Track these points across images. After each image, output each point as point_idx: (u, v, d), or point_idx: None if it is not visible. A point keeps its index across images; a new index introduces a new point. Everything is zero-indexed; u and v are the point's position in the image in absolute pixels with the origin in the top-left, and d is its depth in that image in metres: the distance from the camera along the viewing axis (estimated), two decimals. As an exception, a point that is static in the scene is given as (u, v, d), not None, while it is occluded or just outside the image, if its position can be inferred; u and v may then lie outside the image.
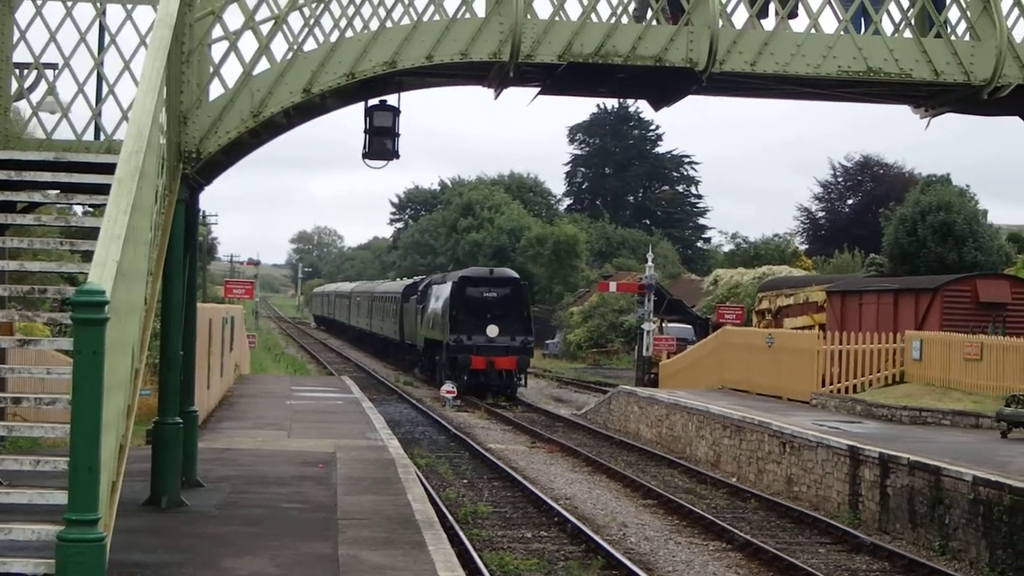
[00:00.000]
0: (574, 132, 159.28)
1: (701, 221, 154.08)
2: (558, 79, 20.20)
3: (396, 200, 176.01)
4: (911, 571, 23.36)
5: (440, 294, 64.69)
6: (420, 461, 34.76)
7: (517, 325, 60.88)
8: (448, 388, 55.55)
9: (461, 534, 24.08)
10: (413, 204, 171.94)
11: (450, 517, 25.93)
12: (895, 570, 23.60)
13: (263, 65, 19.39)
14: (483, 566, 21.43)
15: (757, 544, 24.63)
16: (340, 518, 19.06)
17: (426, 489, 25.17)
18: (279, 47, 19.60)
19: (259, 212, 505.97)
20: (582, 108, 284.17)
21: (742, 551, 24.60)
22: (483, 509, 28.55)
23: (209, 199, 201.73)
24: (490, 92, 21.40)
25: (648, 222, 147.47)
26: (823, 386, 42.89)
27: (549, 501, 29.30)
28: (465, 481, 33.13)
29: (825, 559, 24.33)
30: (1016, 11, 20.00)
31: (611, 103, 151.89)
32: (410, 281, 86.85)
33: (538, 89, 21.20)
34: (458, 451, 39.51)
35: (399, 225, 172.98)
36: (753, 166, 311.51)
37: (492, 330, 59.89)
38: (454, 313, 60.66)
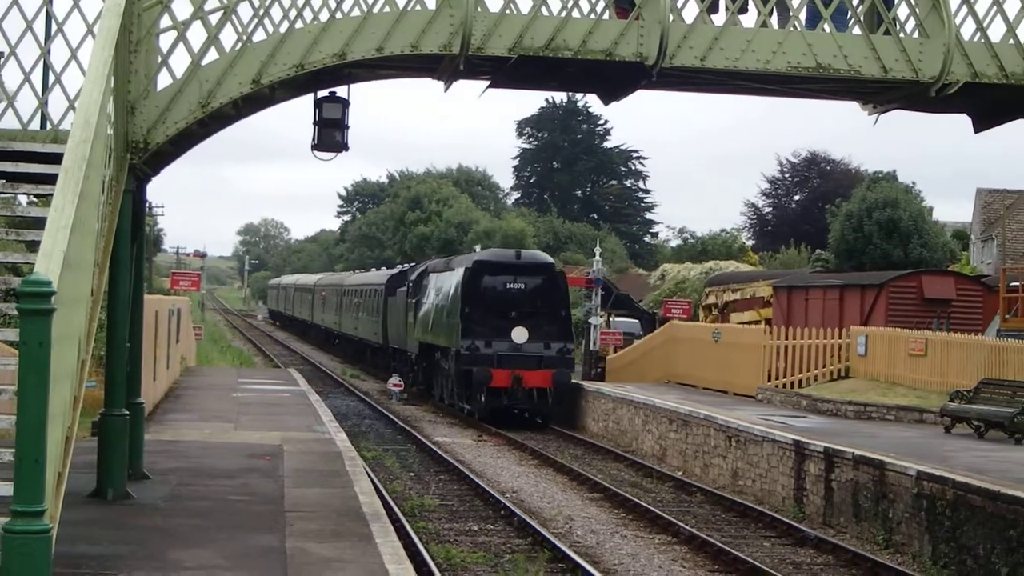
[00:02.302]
0: (522, 126, 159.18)
1: (649, 216, 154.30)
2: (508, 72, 20.20)
3: (344, 193, 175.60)
4: (855, 564, 23.48)
5: (443, 285, 50.34)
6: (367, 454, 34.72)
7: (553, 328, 46.09)
8: (395, 381, 55.17)
9: (408, 527, 24.06)
10: (361, 197, 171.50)
11: (397, 510, 25.91)
12: (839, 563, 23.72)
13: (212, 55, 19.31)
14: (430, 559, 21.41)
15: (703, 537, 24.71)
16: (288, 510, 19.02)
17: (373, 482, 25.12)
18: (228, 38, 19.60)
19: (205, 204, 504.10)
20: (531, 102, 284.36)
21: (688, 544, 24.68)
22: (430, 502, 28.53)
23: (155, 190, 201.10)
24: (440, 85, 21.38)
25: (596, 217, 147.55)
26: (769, 381, 43.07)
27: (496, 494, 29.30)
28: (412, 474, 33.11)
29: (770, 552, 24.43)
30: (964, 9, 20.11)
31: (560, 97, 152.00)
32: (396, 270, 70.78)
33: (488, 82, 21.18)
34: (405, 444, 39.48)
35: (347, 218, 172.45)
36: (697, 162, 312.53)
37: (519, 334, 45.55)
38: (467, 311, 46.00)
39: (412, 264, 70.29)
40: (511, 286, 46.54)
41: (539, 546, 23.92)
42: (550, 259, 50.07)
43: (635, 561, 23.15)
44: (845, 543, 25.01)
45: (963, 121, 22.64)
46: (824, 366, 43.75)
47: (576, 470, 33.65)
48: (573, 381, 48.25)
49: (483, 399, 45.12)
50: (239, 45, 19.32)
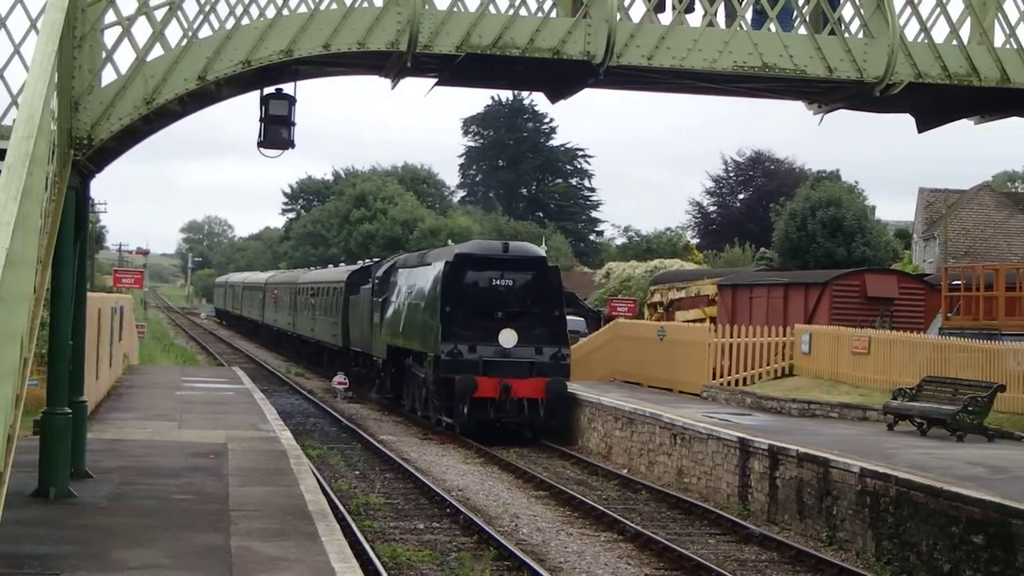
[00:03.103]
0: (468, 124, 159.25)
1: (594, 214, 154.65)
2: (456, 70, 20.19)
3: (289, 190, 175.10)
4: (799, 561, 23.56)
5: (417, 282, 45.08)
6: (312, 452, 34.61)
7: (545, 330, 40.83)
8: (340, 379, 54.84)
9: (353, 525, 23.99)
10: (306, 194, 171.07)
11: (342, 508, 25.83)
12: (783, 560, 23.79)
13: (157, 51, 19.23)
14: (375, 557, 21.35)
15: (648, 535, 24.74)
16: (232, 509, 18.95)
17: (318, 480, 25.06)
18: (174, 33, 19.45)
19: (148, 201, 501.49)
20: (477, 100, 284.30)
21: (633, 542, 24.71)
22: (375, 500, 28.47)
23: (98, 186, 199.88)
24: (387, 82, 21.34)
25: (541, 215, 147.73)
26: (714, 379, 43.19)
27: (441, 492, 29.26)
28: (357, 472, 33.02)
29: (715, 550, 24.48)
30: (908, 10, 20.24)
31: (506, 95, 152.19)
32: (358, 266, 64.94)
33: (435, 80, 21.16)
34: (350, 442, 39.38)
35: (291, 215, 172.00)
36: (643, 161, 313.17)
37: (507, 337, 40.27)
38: (448, 311, 40.70)
39: (376, 259, 64.25)
40: (498, 283, 41.21)
41: (485, 544, 23.89)
42: (541, 252, 44.80)
43: (581, 559, 23.15)
44: (789, 540, 25.09)
45: (907, 121, 22.78)
46: (768, 364, 43.91)
47: (522, 468, 33.65)
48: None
49: (466, 411, 39.50)
50: (185, 41, 19.25)
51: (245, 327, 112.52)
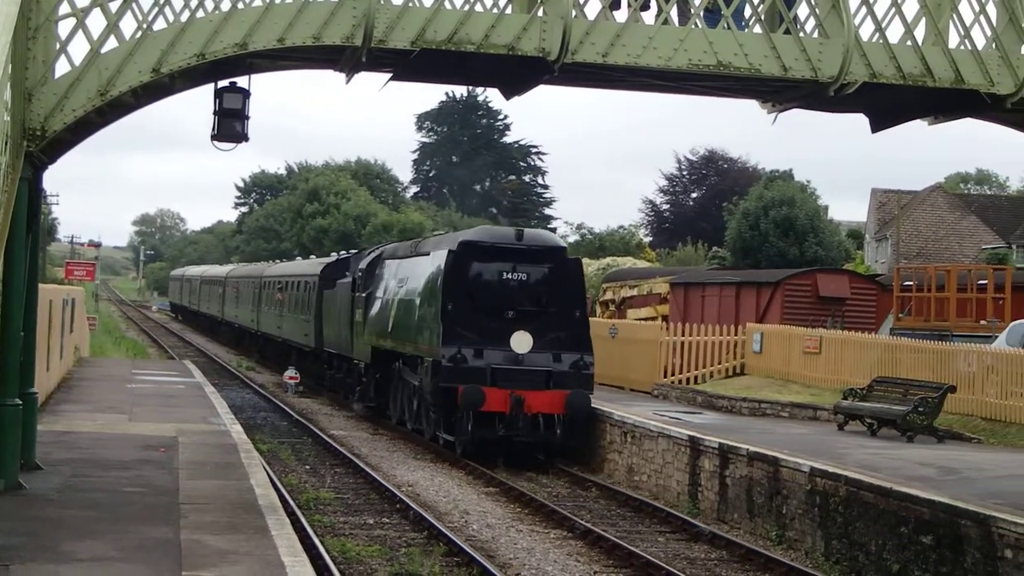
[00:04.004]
0: (422, 120, 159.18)
1: (547, 211, 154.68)
2: (411, 65, 20.17)
3: (242, 184, 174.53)
4: (748, 560, 23.64)
5: (410, 275, 39.23)
6: (262, 447, 34.50)
7: (565, 333, 34.91)
8: (290, 374, 54.59)
9: (303, 520, 23.95)
10: (259, 188, 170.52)
11: (292, 503, 25.78)
12: (732, 559, 23.88)
13: (111, 43, 19.16)
14: (325, 552, 21.33)
15: (598, 532, 24.79)
16: (183, 502, 18.91)
17: (268, 475, 25.01)
18: (128, 25, 19.36)
19: (100, 193, 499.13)
20: (430, 96, 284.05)
21: (583, 539, 24.75)
22: (325, 495, 28.42)
23: (49, 178, 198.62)
24: (341, 77, 21.30)
25: (494, 211, 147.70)
26: (665, 377, 43.33)
27: (391, 488, 29.24)
28: (307, 467, 32.97)
29: (664, 548, 24.55)
30: (863, 10, 20.32)
31: (460, 91, 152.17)
32: (333, 258, 58.97)
33: (390, 75, 21.14)
34: (300, 437, 39.29)
35: (244, 209, 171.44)
36: (597, 159, 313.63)
37: (520, 341, 34.37)
38: (450, 308, 34.76)
39: (357, 251, 58.90)
40: (509, 276, 35.07)
41: (435, 540, 23.90)
42: (560, 241, 38.92)
43: (531, 555, 23.18)
44: (739, 539, 25.18)
45: (861, 121, 22.88)
46: (720, 363, 44.07)
47: (472, 464, 33.64)
48: None
49: (470, 428, 33.92)
50: (139, 33, 19.18)
51: (203, 324, 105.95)
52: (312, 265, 60.55)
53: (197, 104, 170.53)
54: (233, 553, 15.40)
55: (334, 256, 61.13)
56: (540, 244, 36.06)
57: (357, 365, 45.82)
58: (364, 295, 44.06)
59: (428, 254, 37.77)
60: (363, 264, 45.80)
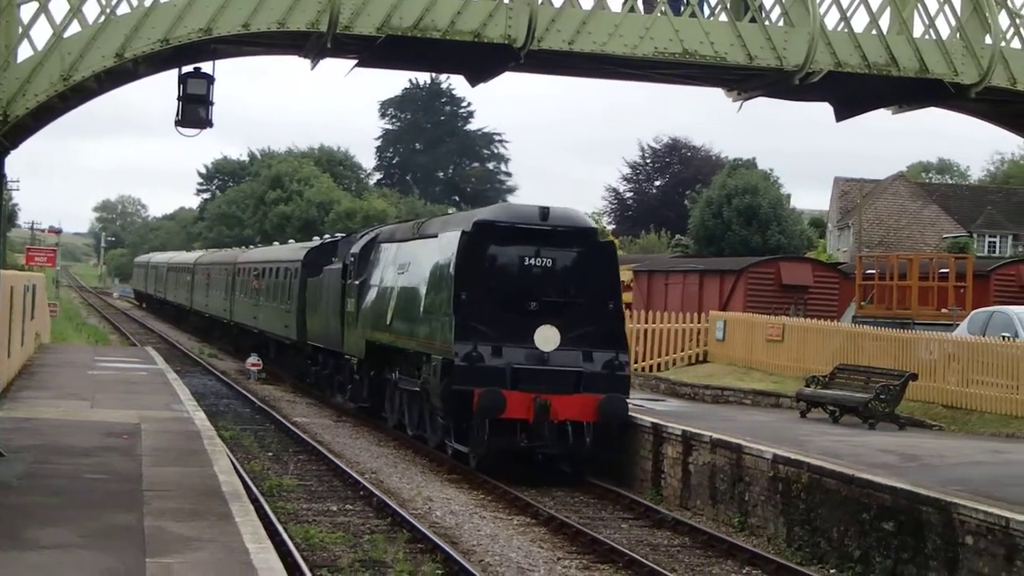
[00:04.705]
0: (385, 107, 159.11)
1: (510, 199, 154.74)
2: (376, 52, 20.12)
3: (204, 170, 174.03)
4: (711, 546, 23.69)
5: (413, 260, 34.69)
6: (225, 434, 34.36)
7: (597, 328, 30.37)
8: (253, 361, 54.25)
9: (266, 507, 23.89)
10: (221, 175, 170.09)
11: (255, 489, 25.72)
12: (695, 545, 23.92)
13: (75, 28, 19.08)
14: (288, 539, 21.29)
15: (561, 519, 24.80)
16: (146, 489, 18.86)
17: (232, 462, 24.96)
18: (92, 10, 19.27)
19: (62, 179, 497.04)
20: (394, 83, 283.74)
21: (546, 526, 24.76)
22: (288, 482, 28.36)
23: (9, 163, 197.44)
24: (306, 63, 21.24)
25: (458, 199, 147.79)
26: (628, 364, 43.35)
27: (355, 475, 29.20)
28: (270, 454, 32.90)
29: (627, 534, 24.58)
30: (828, -1, 20.36)
31: (423, 79, 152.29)
32: (317, 242, 54.28)
33: (356, 61, 21.09)
34: (263, 424, 39.19)
35: (206, 196, 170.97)
36: (557, 145, 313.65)
37: (545, 337, 29.91)
38: (464, 298, 30.19)
39: (346, 234, 52.75)
40: (532, 262, 30.53)
41: (398, 527, 23.87)
42: (590, 221, 33.72)
43: (494, 542, 23.18)
44: (702, 525, 25.24)
45: (824, 110, 22.94)
46: (683, 350, 44.19)
47: (434, 451, 33.61)
48: None
49: (487, 437, 29.46)
50: (103, 18, 19.09)
51: (170, 313, 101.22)
52: (293, 250, 56.24)
53: (159, 89, 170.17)
54: (197, 540, 15.37)
55: (317, 240, 57.31)
56: (568, 224, 31.25)
57: (348, 361, 41.13)
58: (357, 283, 39.71)
59: (436, 236, 33.36)
60: (356, 248, 41.24)
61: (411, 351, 33.71)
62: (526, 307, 30.12)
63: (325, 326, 44.34)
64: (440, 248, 32.25)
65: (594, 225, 32.33)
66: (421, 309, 32.74)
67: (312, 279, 47.51)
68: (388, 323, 35.69)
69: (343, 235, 51.54)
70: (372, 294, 38.05)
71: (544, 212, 30.94)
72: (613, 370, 29.95)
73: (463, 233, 30.77)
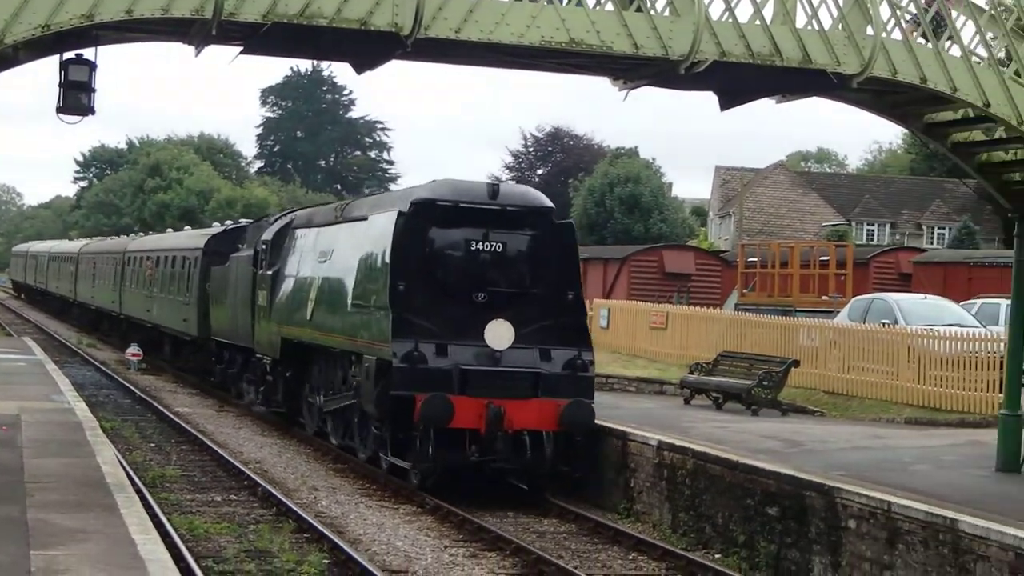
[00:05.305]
0: (267, 94, 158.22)
1: (393, 187, 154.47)
2: (262, 39, 19.93)
3: (81, 158, 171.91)
4: (597, 533, 23.81)
5: (339, 246, 30.98)
6: (105, 424, 33.99)
7: (556, 322, 26.88)
8: (133, 351, 53.60)
9: (149, 498, 23.71)
10: (99, 163, 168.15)
11: (138, 481, 25.50)
12: (581, 532, 24.03)
13: (-48, 13, 18.70)
14: (172, 529, 21.15)
15: (447, 508, 24.80)
16: (28, 481, 18.63)
17: (115, 453, 24.74)
18: (-31, -5, 18.91)
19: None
20: (275, 70, 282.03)
21: (432, 515, 24.76)
22: (171, 473, 28.14)
23: None
24: (189, 50, 21.02)
25: (339, 187, 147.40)
26: (513, 353, 43.40)
27: (239, 465, 29.04)
28: (153, 445, 32.63)
29: (514, 522, 24.63)
30: (714, -12, 20.47)
31: (304, 66, 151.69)
32: (220, 228, 50.03)
33: (240, 48, 20.89)
34: (144, 414, 38.86)
35: (83, 184, 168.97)
36: (439, 133, 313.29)
37: (498, 333, 26.15)
38: (402, 289, 26.42)
39: (256, 219, 47.70)
40: (481, 246, 26.76)
41: (284, 517, 23.79)
42: (546, 199, 28.65)
43: (380, 531, 23.15)
44: (587, 512, 25.33)
45: (705, 98, 23.10)
46: (567, 338, 44.27)
47: (319, 441, 33.48)
48: None
49: (432, 451, 25.67)
50: (-19, 3, 18.74)
51: (52, 305, 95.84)
52: (192, 237, 52.14)
53: (33, 75, 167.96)
54: (82, 531, 15.21)
55: (218, 226, 53.06)
56: (521, 203, 27.60)
57: (261, 361, 36.81)
58: (270, 273, 35.67)
59: (365, 218, 29.53)
60: (267, 235, 37.12)
61: (336, 350, 30.10)
62: (474, 299, 26.54)
63: (232, 320, 40.50)
64: (370, 232, 28.51)
65: (550, 204, 28.13)
66: (349, 302, 28.99)
67: (217, 268, 43.55)
68: (308, 317, 31.82)
69: (252, 220, 47.75)
70: (288, 285, 34.31)
71: (493, 189, 27.44)
72: (575, 370, 26.39)
73: (399, 214, 26.99)
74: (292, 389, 34.49)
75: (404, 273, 26.48)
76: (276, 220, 39.01)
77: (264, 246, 36.91)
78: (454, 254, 26.78)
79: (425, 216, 26.84)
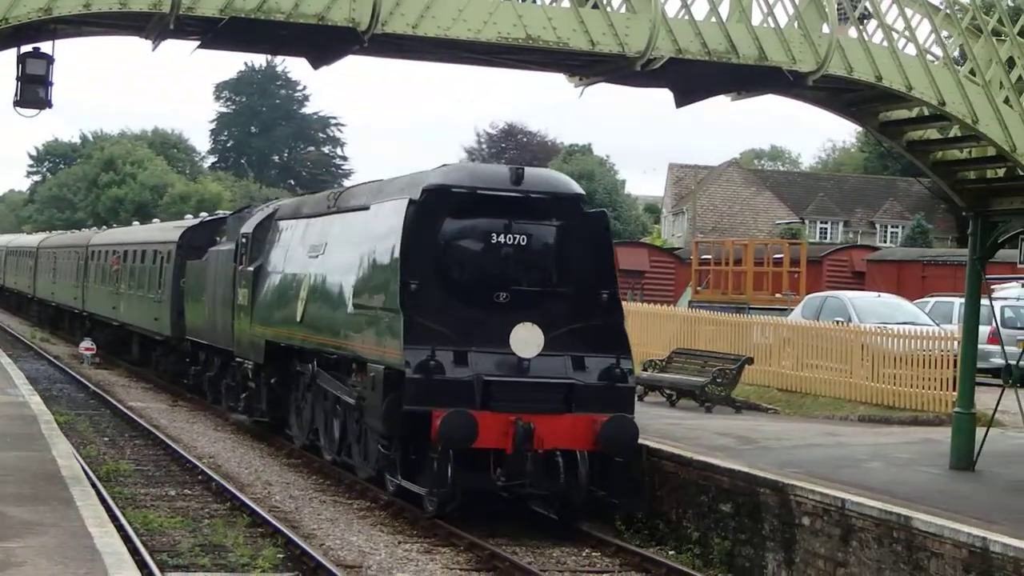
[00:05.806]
0: (220, 89, 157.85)
1: (346, 183, 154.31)
2: (219, 34, 19.93)
3: (34, 152, 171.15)
4: (550, 529, 23.83)
5: (334, 239, 27.78)
6: (60, 418, 33.90)
7: (589, 325, 23.48)
8: (87, 345, 53.26)
9: (104, 492, 23.68)
10: (52, 157, 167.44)
11: (92, 475, 25.46)
12: (536, 529, 24.05)
13: (-92, 6, 18.64)
14: (127, 523, 21.13)
15: (400, 503, 24.80)
16: (-18, 474, 18.61)
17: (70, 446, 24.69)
18: (-74, -13, 18.85)
19: None
20: (229, 65, 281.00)
21: (386, 510, 24.77)
22: (125, 467, 28.11)
23: None
24: (145, 44, 20.99)
25: (293, 182, 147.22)
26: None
27: (192, 459, 29.03)
28: (106, 439, 32.58)
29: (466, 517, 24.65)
30: (671, -14, 20.56)
31: (259, 61, 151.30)
32: (196, 221, 47.65)
33: (198, 43, 20.88)
34: (98, 408, 38.78)
35: (36, 178, 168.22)
36: (392, 130, 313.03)
37: (524, 338, 22.55)
38: (413, 288, 22.85)
39: (236, 211, 43.62)
40: (503, 239, 23.20)
41: (238, 511, 23.79)
42: (575, 185, 25.12)
43: (334, 526, 23.17)
44: (539, 509, 25.36)
45: (663, 96, 23.19)
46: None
47: (273, 436, 33.45)
48: None
49: (451, 473, 22.10)
50: (-62, -4, 18.68)
51: (10, 302, 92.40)
52: (166, 230, 48.60)
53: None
54: (39, 524, 15.21)
55: (195, 219, 49.92)
56: (548, 189, 24.03)
57: (243, 366, 33.45)
58: (251, 269, 32.50)
59: (367, 208, 26.13)
60: (249, 228, 33.70)
61: (336, 356, 26.72)
62: (495, 299, 23.23)
63: (211, 319, 37.16)
64: (375, 223, 25.09)
65: (580, 191, 24.81)
66: (349, 303, 25.60)
67: (193, 263, 40.46)
68: (299, 319, 28.57)
69: (232, 212, 44.34)
70: (273, 283, 31.21)
71: (517, 173, 23.67)
72: (613, 381, 22.94)
73: (410, 203, 23.56)
74: (278, 397, 31.45)
75: (416, 271, 23.09)
76: (258, 211, 36.04)
77: (245, 240, 33.60)
78: (472, 248, 23.41)
79: (439, 205, 23.52)
